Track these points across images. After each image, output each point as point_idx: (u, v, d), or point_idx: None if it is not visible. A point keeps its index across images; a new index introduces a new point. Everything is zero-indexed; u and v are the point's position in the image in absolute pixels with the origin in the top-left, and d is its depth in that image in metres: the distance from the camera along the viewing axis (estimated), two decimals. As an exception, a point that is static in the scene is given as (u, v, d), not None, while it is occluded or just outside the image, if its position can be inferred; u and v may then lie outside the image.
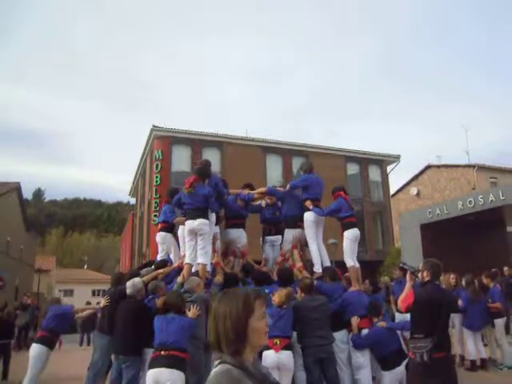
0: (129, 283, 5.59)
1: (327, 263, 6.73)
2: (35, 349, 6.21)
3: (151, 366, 4.36)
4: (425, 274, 4.24)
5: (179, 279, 5.73)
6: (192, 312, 4.76)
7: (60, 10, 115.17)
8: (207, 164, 6.60)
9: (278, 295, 5.21)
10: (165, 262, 6.61)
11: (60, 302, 6.60)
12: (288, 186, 7.02)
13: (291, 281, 5.87)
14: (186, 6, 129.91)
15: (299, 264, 6.41)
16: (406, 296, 4.24)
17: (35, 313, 17.19)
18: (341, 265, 6.67)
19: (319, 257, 6.63)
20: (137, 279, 5.70)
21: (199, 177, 6.18)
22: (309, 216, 6.61)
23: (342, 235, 6.48)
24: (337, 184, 7.06)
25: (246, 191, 7.12)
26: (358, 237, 6.49)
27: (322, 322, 5.39)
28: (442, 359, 3.93)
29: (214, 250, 6.23)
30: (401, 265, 5.73)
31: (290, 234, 6.80)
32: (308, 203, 6.58)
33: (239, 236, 6.89)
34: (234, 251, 6.72)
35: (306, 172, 6.97)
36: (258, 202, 7.52)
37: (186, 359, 4.42)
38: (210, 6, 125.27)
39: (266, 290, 5.60)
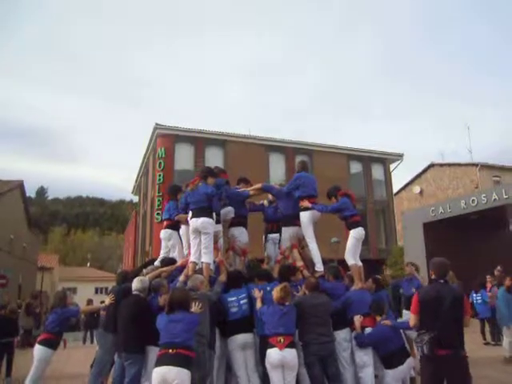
0: (137, 279, 5.60)
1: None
2: (40, 351, 6.17)
3: (158, 364, 4.33)
4: (431, 272, 4.36)
5: (181, 278, 5.73)
6: (193, 309, 4.76)
7: (60, 8, 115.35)
8: (210, 167, 6.74)
9: (275, 291, 5.22)
10: (172, 260, 6.59)
11: (66, 300, 6.56)
12: (277, 186, 7.02)
13: (291, 276, 5.87)
14: (188, 3, 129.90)
15: (300, 263, 6.39)
16: (411, 308, 4.33)
17: (40, 318, 17.34)
18: (343, 263, 6.65)
19: (320, 255, 6.62)
20: (145, 277, 5.73)
21: (202, 176, 6.21)
22: (303, 216, 6.58)
23: (347, 234, 6.46)
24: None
25: (242, 188, 7.13)
26: (363, 236, 6.48)
27: (324, 319, 5.39)
28: (447, 357, 3.92)
29: (215, 248, 6.20)
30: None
31: (286, 232, 6.79)
32: (305, 203, 6.55)
33: (240, 233, 6.90)
34: (233, 247, 6.73)
35: (298, 171, 6.97)
36: (260, 202, 7.54)
37: (192, 358, 4.40)
38: (212, 4, 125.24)
39: (268, 288, 5.59)
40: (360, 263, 6.40)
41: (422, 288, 4.35)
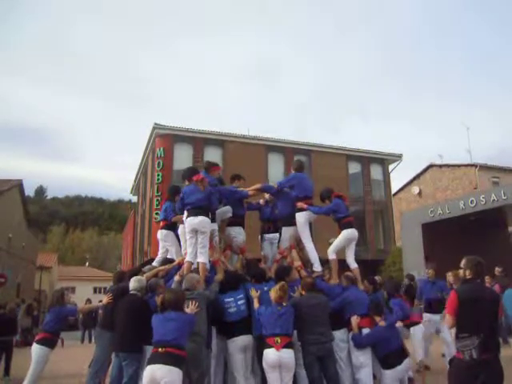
0: (135, 278, 5.60)
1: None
2: (37, 350, 6.17)
3: (148, 363, 4.34)
4: (467, 272, 4.08)
5: (176, 277, 5.70)
6: (190, 309, 4.76)
7: (60, 7, 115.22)
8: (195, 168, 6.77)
9: (273, 291, 5.22)
10: (171, 260, 6.58)
11: (63, 299, 6.55)
12: (275, 185, 7.00)
13: (287, 277, 5.86)
14: (188, 2, 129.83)
15: (297, 263, 6.39)
16: (448, 309, 4.05)
17: (39, 317, 17.39)
18: (341, 264, 6.66)
19: (317, 255, 6.63)
20: (142, 277, 5.73)
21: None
22: (299, 217, 6.59)
23: (339, 234, 6.53)
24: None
25: (239, 186, 7.12)
26: (355, 238, 6.52)
27: (322, 319, 5.38)
28: (490, 360, 3.79)
29: (210, 247, 6.17)
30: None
31: (286, 232, 6.79)
32: (300, 205, 6.55)
33: (237, 233, 6.88)
34: (230, 246, 6.73)
35: (296, 171, 6.94)
36: (258, 201, 7.53)
37: (184, 357, 4.39)
38: (211, 3, 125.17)
39: (265, 288, 5.59)
40: (355, 265, 6.46)
41: (460, 288, 4.10)
